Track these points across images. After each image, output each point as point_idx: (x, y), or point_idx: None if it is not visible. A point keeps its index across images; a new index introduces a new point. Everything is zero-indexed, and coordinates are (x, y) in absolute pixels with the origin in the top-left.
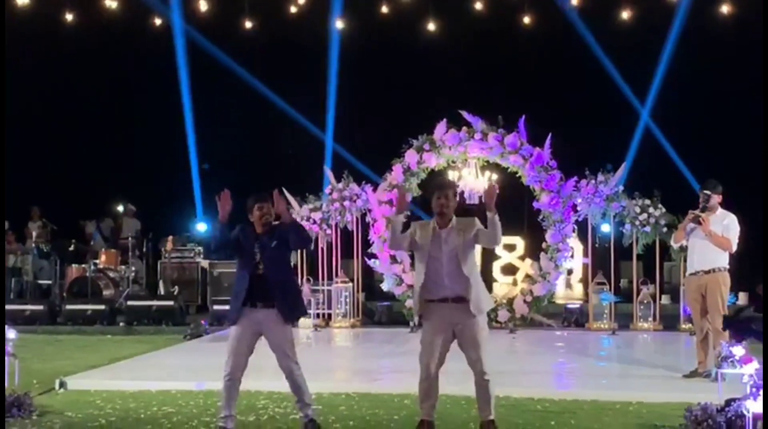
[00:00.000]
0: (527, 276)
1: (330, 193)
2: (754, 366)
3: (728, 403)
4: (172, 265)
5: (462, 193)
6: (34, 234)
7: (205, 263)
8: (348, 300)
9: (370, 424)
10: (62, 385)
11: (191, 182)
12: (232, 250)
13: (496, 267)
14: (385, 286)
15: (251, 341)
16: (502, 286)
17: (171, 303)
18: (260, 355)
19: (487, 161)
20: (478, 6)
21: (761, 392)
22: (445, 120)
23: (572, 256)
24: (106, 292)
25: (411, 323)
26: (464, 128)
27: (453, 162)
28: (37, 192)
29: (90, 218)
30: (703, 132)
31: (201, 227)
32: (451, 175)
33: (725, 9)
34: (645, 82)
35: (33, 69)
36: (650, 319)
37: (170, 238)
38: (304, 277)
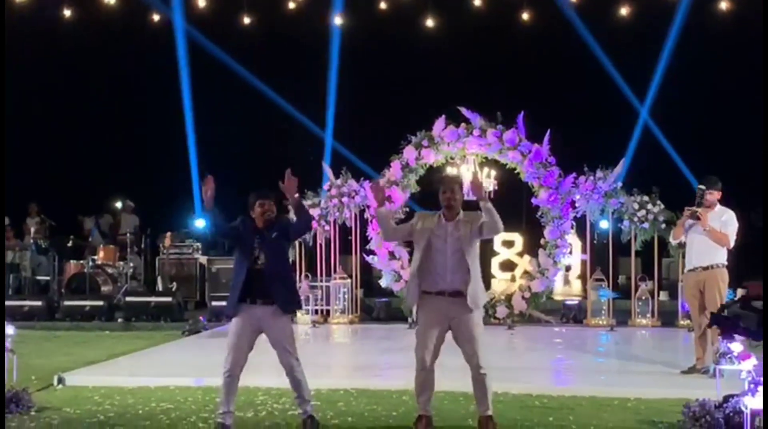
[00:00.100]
0: (526, 272)
1: (328, 190)
2: (753, 362)
3: (726, 399)
4: (171, 261)
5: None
6: (32, 230)
7: (203, 259)
8: (346, 296)
9: (368, 419)
10: (60, 381)
11: (189, 178)
12: (231, 239)
13: (495, 263)
14: (383, 283)
15: (251, 338)
16: (501, 282)
17: (169, 299)
18: (259, 352)
19: (486, 157)
20: (477, 2)
21: (759, 388)
22: (443, 116)
23: (571, 253)
24: (105, 288)
25: (409, 319)
26: (463, 124)
27: (451, 158)
28: (35, 188)
29: (88, 214)
30: (702, 129)
31: (199, 223)
32: (450, 171)
33: (724, 5)
34: (644, 79)
35: (32, 65)
36: (648, 315)
37: (168, 234)
38: (303, 274)
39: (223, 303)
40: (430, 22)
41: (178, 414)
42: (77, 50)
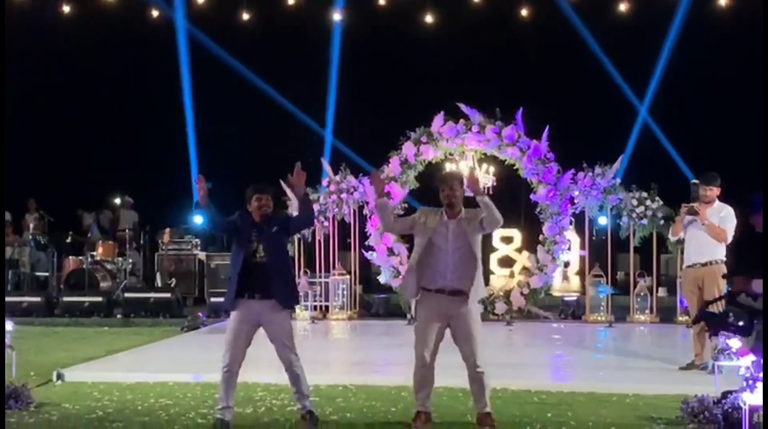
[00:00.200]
0: (524, 268)
1: (327, 186)
2: (751, 358)
3: (725, 395)
4: (169, 257)
5: None
6: (31, 226)
7: (202, 255)
8: (345, 292)
9: (367, 416)
10: (59, 377)
11: (189, 174)
12: (229, 232)
13: (493, 259)
14: (382, 279)
15: (249, 333)
16: (499, 278)
17: (168, 295)
18: (258, 347)
19: (485, 154)
20: None
21: (758, 384)
22: (442, 112)
23: (569, 249)
24: (104, 284)
25: (408, 315)
26: (462, 121)
27: (450, 154)
28: (34, 184)
29: (88, 210)
30: (701, 125)
31: (198, 220)
32: (449, 167)
33: (723, 2)
34: (643, 76)
35: (31, 61)
36: (647, 311)
37: (167, 230)
38: (302, 270)
39: (222, 299)
40: (429, 18)
41: (177, 410)
42: (77, 46)
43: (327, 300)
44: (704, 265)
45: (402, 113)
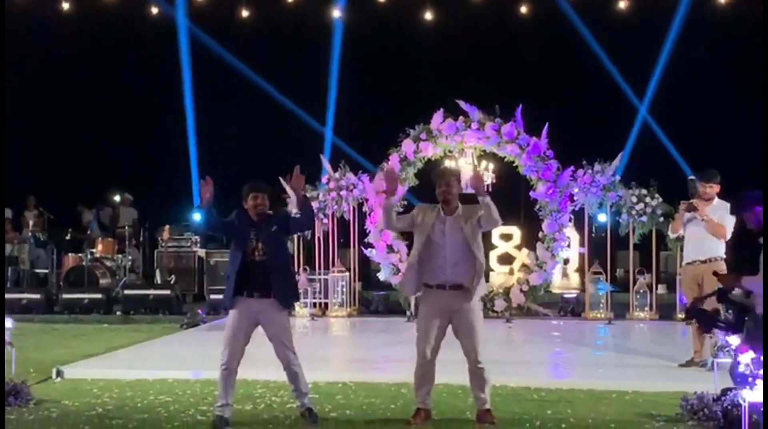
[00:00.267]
0: (524, 265)
1: (327, 183)
2: (750, 355)
3: (724, 392)
4: (169, 254)
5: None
6: (30, 223)
7: (201, 252)
8: (345, 289)
9: (366, 413)
10: (59, 373)
11: (188, 171)
12: (225, 232)
13: (493, 256)
14: (381, 276)
15: (248, 331)
16: (499, 275)
17: (168, 292)
18: (257, 345)
19: (484, 151)
20: None
21: (758, 381)
22: (442, 109)
23: (569, 246)
24: (103, 281)
25: (407, 312)
26: (461, 118)
27: (450, 151)
28: (34, 181)
29: (89, 207)
30: (700, 122)
31: (197, 217)
32: (448, 164)
33: (723, 0)
34: (643, 73)
35: (31, 59)
36: (646, 308)
37: (167, 227)
38: (301, 267)
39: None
40: (428, 16)
41: (176, 407)
42: (77, 44)
43: (326, 297)
44: (704, 262)
45: (401, 110)
